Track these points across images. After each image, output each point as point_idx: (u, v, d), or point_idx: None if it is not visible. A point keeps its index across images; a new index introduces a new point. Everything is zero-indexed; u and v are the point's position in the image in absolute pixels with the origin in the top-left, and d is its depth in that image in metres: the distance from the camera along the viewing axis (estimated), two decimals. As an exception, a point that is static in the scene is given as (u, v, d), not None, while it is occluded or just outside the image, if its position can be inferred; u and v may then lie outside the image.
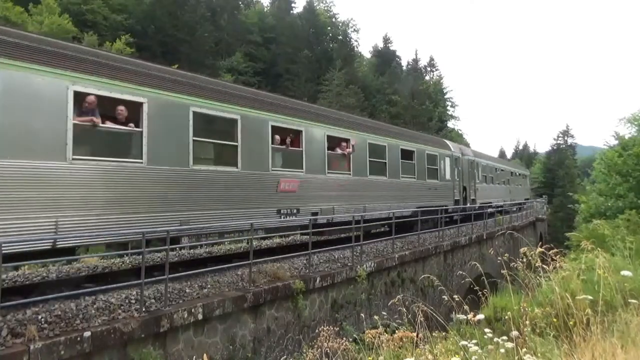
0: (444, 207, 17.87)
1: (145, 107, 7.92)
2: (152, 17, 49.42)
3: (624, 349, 3.67)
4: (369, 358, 4.78)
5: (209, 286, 7.97)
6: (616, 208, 19.74)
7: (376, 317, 6.30)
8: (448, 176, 19.96)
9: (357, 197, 13.37)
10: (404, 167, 16.17)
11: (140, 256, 7.32)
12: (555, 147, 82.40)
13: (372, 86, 68.87)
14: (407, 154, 16.63)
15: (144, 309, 6.48)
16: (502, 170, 31.69)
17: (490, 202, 25.37)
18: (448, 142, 22.36)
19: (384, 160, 15.04)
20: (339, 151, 13.04)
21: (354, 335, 8.21)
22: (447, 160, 20.05)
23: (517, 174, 39.44)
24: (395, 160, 15.70)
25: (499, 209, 25.50)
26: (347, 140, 13.17)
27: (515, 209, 30.21)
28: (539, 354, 3.97)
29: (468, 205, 21.44)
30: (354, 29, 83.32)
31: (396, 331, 5.19)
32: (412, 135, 18.70)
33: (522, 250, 5.90)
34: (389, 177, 15.16)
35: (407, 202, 15.98)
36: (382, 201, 14.54)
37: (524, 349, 4.01)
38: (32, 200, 6.34)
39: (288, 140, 11.33)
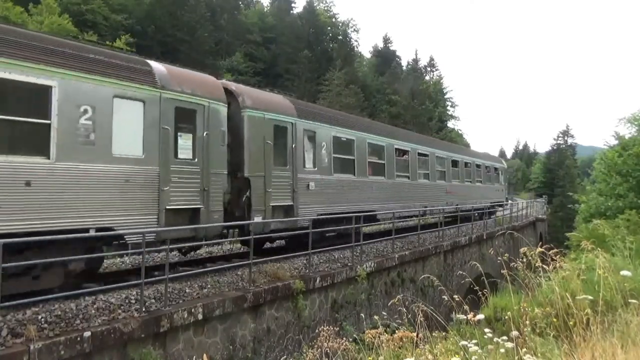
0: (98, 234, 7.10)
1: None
2: (152, 17, 49.43)
3: (624, 349, 3.67)
4: (369, 358, 4.78)
5: (209, 286, 7.98)
6: (616, 208, 19.69)
7: (376, 317, 6.30)
8: (135, 151, 7.74)
9: None
10: None
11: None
12: (555, 147, 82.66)
13: (372, 86, 68.98)
14: None
15: (144, 309, 6.48)
16: (423, 155, 18.30)
17: (374, 211, 13.98)
18: (153, 63, 8.58)
19: None
20: None
21: (354, 335, 8.22)
22: (134, 108, 7.80)
23: (475, 164, 24.59)
24: None
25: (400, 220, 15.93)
26: None
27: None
28: (539, 354, 3.97)
29: (254, 221, 9.73)
30: (354, 29, 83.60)
31: (396, 331, 5.19)
32: None
33: (522, 250, 5.90)
34: None
35: None
36: None
37: (524, 349, 4.01)
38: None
39: None
